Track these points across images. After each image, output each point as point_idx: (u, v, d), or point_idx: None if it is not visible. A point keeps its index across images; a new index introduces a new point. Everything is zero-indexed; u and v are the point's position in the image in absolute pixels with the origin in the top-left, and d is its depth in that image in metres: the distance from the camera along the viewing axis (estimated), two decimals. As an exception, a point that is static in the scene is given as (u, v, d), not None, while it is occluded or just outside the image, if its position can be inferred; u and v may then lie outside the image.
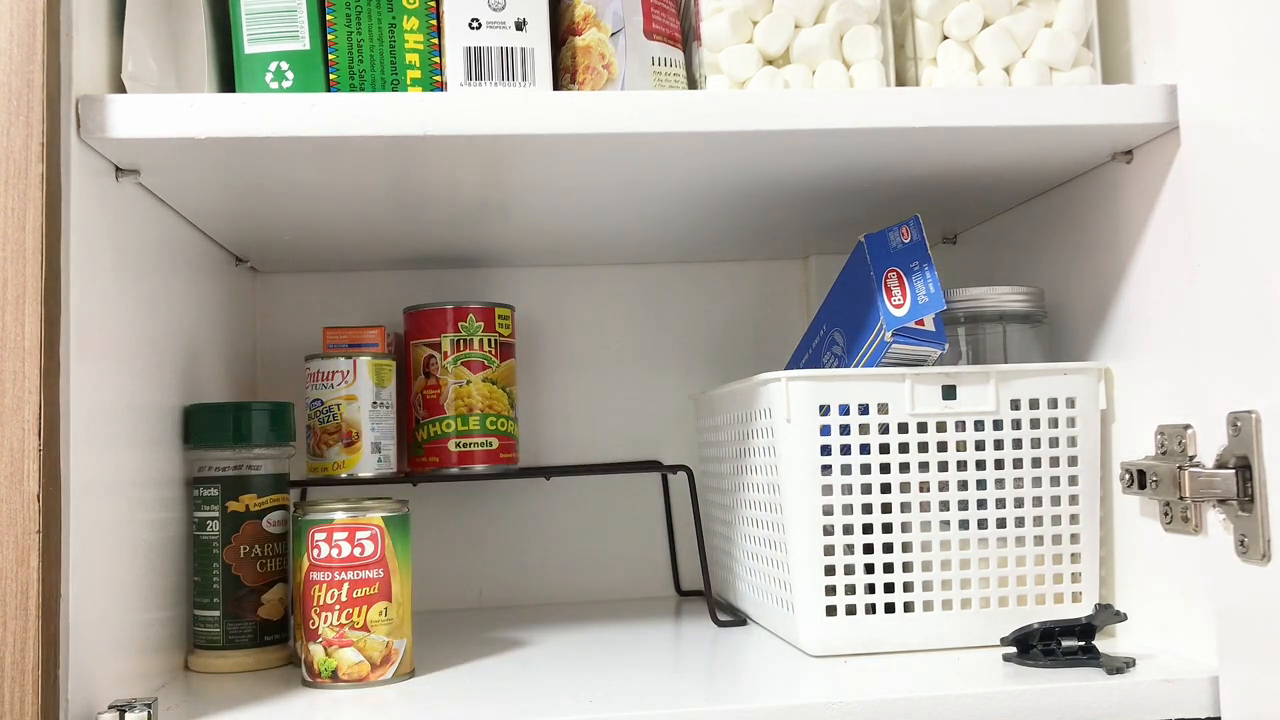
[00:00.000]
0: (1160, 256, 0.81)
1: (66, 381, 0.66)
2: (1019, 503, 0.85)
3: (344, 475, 0.99)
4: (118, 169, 0.76)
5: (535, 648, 0.93)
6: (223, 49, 0.83)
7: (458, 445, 1.02)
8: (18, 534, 0.63)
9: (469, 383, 1.03)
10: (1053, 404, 0.86)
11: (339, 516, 0.82)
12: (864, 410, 0.83)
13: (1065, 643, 0.79)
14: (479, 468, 1.03)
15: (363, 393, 1.00)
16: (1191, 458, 0.76)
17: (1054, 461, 0.86)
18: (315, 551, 0.81)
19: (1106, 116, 0.78)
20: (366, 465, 1.00)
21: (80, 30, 0.70)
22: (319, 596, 0.81)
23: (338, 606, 0.81)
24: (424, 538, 1.19)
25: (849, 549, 0.84)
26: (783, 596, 0.88)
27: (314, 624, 0.81)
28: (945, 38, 0.83)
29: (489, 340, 1.04)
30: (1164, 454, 0.79)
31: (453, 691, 0.78)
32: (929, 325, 0.86)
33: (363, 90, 0.80)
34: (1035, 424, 0.86)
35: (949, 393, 0.85)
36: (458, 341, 1.03)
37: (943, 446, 0.85)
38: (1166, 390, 0.80)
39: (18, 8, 0.65)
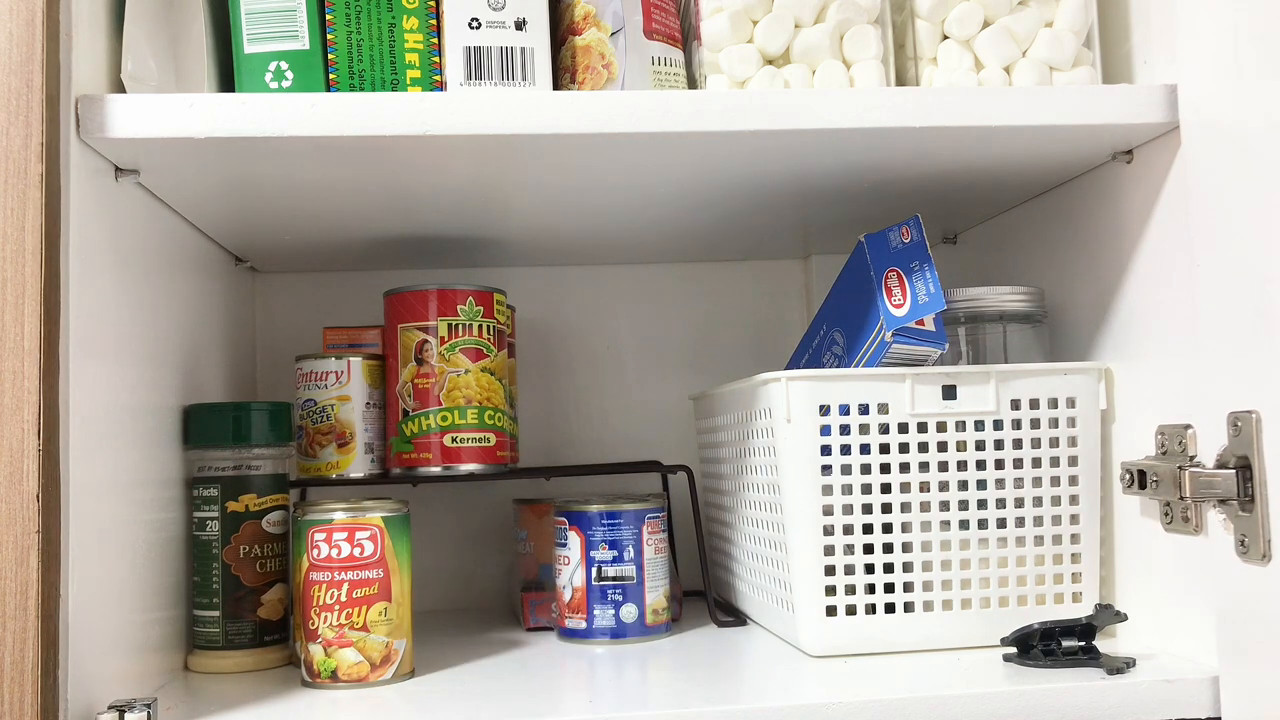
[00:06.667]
0: (1160, 256, 0.81)
1: (66, 381, 0.66)
2: (1019, 503, 0.85)
3: (335, 476, 0.99)
4: (117, 169, 0.76)
5: (535, 648, 0.93)
6: (222, 49, 0.83)
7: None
8: (17, 534, 0.63)
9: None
10: (1053, 404, 0.86)
11: (339, 517, 0.82)
12: (864, 410, 0.83)
13: (1065, 643, 0.79)
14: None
15: (356, 393, 0.99)
16: (1192, 458, 0.76)
17: (1054, 461, 0.86)
18: (315, 552, 0.81)
19: (1107, 116, 0.78)
20: (360, 466, 0.99)
21: (79, 30, 0.69)
22: (319, 597, 0.81)
23: (337, 607, 0.81)
24: (424, 538, 1.19)
25: (849, 549, 0.84)
26: (783, 596, 0.88)
27: (314, 624, 0.81)
28: (945, 37, 0.83)
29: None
30: (1164, 454, 0.79)
31: (453, 691, 0.78)
32: (929, 325, 0.86)
33: (362, 90, 0.80)
34: (1035, 424, 0.85)
35: (949, 393, 0.84)
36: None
37: (943, 446, 0.85)
38: (1166, 390, 0.80)
39: (17, 8, 0.65)
